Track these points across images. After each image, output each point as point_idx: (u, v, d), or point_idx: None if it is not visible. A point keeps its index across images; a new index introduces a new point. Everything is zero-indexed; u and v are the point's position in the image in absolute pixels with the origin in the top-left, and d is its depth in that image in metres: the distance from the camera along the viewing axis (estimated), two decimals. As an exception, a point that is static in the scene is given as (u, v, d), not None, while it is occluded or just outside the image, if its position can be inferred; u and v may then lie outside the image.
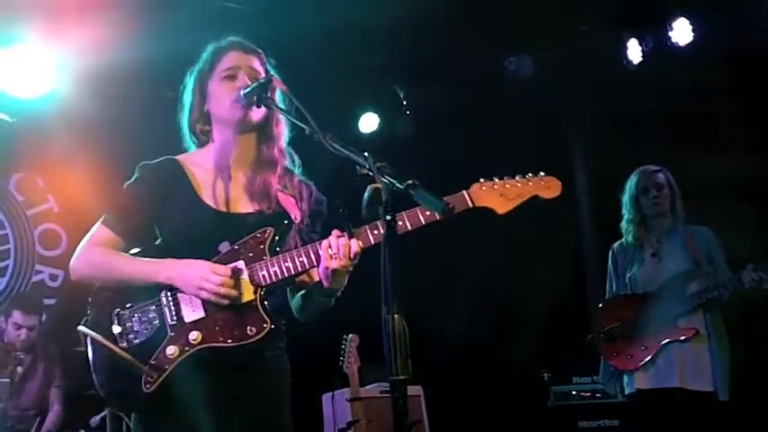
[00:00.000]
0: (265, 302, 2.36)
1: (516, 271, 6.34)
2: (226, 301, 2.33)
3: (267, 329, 2.33)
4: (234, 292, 2.32)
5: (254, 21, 4.78)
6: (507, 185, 2.40)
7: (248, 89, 2.43)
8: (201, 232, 2.41)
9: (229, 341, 2.32)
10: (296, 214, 2.49)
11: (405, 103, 6.46)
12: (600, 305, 4.50)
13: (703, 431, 4.03)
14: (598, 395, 5.68)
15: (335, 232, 2.32)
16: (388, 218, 1.92)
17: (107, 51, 4.73)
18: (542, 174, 2.44)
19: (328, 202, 2.63)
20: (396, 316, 1.82)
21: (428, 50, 5.73)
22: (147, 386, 2.30)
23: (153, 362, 2.31)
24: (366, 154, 2.04)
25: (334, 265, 2.28)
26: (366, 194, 1.96)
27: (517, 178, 2.42)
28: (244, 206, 2.49)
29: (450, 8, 5.10)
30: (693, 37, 5.65)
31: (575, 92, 5.98)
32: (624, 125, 6.10)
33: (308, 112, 2.22)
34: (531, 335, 6.46)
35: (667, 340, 4.12)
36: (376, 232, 2.30)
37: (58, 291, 6.24)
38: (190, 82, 2.59)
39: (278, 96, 2.47)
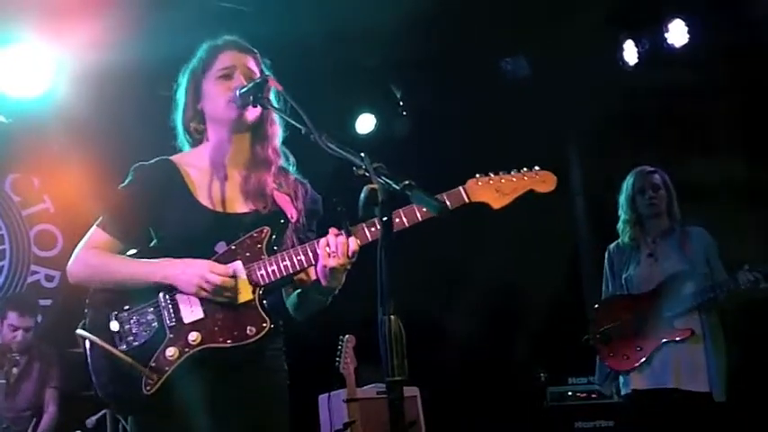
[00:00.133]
0: (264, 302, 2.36)
1: (512, 271, 6.34)
2: (224, 299, 2.32)
3: (267, 329, 2.33)
4: (232, 291, 2.32)
5: (250, 21, 4.79)
6: (503, 180, 2.42)
7: (245, 89, 2.43)
8: (198, 233, 2.41)
9: (229, 341, 2.32)
10: (292, 213, 2.49)
11: (401, 103, 6.46)
12: (596, 306, 4.51)
13: (699, 432, 4.04)
14: (594, 396, 5.69)
15: (333, 230, 2.32)
16: (385, 219, 1.92)
17: (103, 51, 4.72)
18: (537, 168, 2.46)
19: (325, 200, 2.63)
20: (392, 317, 1.82)
21: (425, 51, 5.73)
22: (148, 388, 2.30)
23: (153, 364, 2.31)
24: (363, 154, 2.04)
25: (333, 263, 2.28)
26: (362, 195, 1.96)
27: (512, 173, 2.44)
28: (240, 206, 2.48)
29: (446, 9, 5.10)
30: (689, 38, 5.67)
31: (571, 92, 5.99)
32: (620, 126, 6.11)
33: (304, 112, 2.22)
34: (527, 335, 6.46)
35: (663, 341, 4.12)
36: (373, 229, 2.30)
37: (54, 292, 6.22)
38: (183, 80, 2.59)
39: (272, 96, 2.47)
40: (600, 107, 5.78)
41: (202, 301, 2.35)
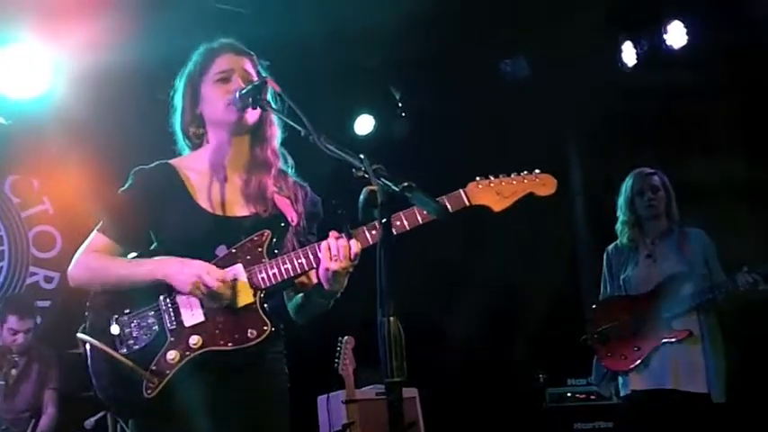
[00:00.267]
0: (265, 305, 2.36)
1: (511, 272, 6.35)
2: (219, 304, 2.32)
3: (267, 332, 2.33)
4: (228, 293, 2.32)
5: (249, 23, 4.78)
6: (503, 183, 2.42)
7: (244, 91, 2.42)
8: (198, 236, 2.40)
9: (230, 345, 2.32)
10: (292, 216, 2.49)
11: (400, 104, 6.46)
12: (594, 306, 4.51)
13: (698, 433, 4.05)
14: (593, 397, 5.69)
15: (334, 234, 2.32)
16: (384, 220, 1.92)
17: (102, 52, 4.72)
18: (537, 171, 2.46)
19: (325, 203, 2.62)
20: (391, 318, 1.82)
21: (424, 51, 5.73)
22: (149, 392, 2.30)
23: (153, 367, 2.31)
24: (362, 156, 2.03)
25: (335, 266, 2.28)
26: (362, 197, 1.96)
27: (513, 176, 2.44)
28: (240, 209, 2.48)
29: (446, 9, 5.10)
30: (688, 40, 5.68)
31: (570, 93, 5.99)
32: (619, 126, 6.12)
33: (303, 114, 2.22)
34: (526, 336, 6.46)
35: (661, 341, 4.13)
36: (374, 232, 2.30)
37: (53, 293, 6.22)
38: (180, 85, 2.58)
39: (269, 97, 2.46)
40: (599, 108, 5.79)
41: (203, 304, 2.35)
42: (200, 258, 2.36)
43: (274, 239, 2.41)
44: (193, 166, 2.53)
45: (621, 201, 4.42)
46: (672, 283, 4.18)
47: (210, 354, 2.32)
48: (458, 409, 6.22)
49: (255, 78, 2.50)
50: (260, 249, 2.39)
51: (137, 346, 2.34)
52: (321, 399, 5.28)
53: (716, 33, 5.57)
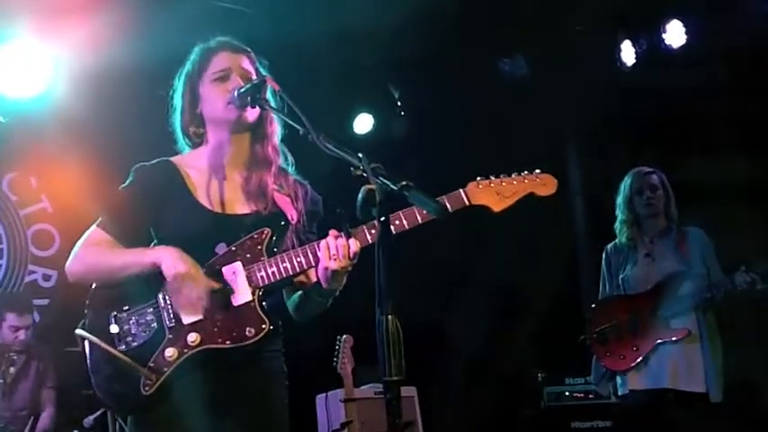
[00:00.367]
0: (263, 303, 2.36)
1: (510, 271, 6.35)
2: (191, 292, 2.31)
3: (266, 330, 2.33)
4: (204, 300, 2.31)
5: (249, 21, 4.78)
6: (503, 183, 2.41)
7: (243, 89, 2.41)
8: (198, 234, 2.40)
9: (228, 342, 2.32)
10: (292, 214, 2.49)
11: (399, 103, 6.46)
12: (593, 306, 4.52)
13: (696, 432, 4.05)
14: (591, 396, 5.70)
15: (333, 233, 2.32)
16: (382, 219, 1.92)
17: (102, 50, 4.71)
18: (538, 171, 2.45)
19: (325, 202, 2.63)
20: (389, 317, 1.82)
21: (423, 51, 5.73)
22: (146, 388, 2.30)
23: (151, 364, 2.31)
24: (360, 155, 2.03)
25: (334, 266, 2.28)
26: (360, 195, 1.96)
27: (513, 176, 2.44)
28: (240, 207, 2.48)
29: (444, 9, 5.10)
30: (687, 39, 5.68)
31: (569, 93, 5.99)
32: (618, 126, 6.12)
33: (302, 112, 2.21)
34: (525, 335, 6.47)
35: (660, 341, 4.13)
36: (374, 231, 2.29)
37: (52, 291, 6.21)
38: (179, 84, 2.58)
39: (269, 95, 2.46)
40: (599, 107, 5.79)
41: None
42: (199, 256, 2.36)
43: (274, 238, 2.41)
44: (194, 164, 2.53)
45: (620, 200, 4.43)
46: (670, 282, 4.19)
47: (209, 351, 2.32)
48: (456, 407, 6.22)
49: (254, 76, 2.50)
50: (259, 247, 2.39)
51: (135, 343, 2.34)
52: (320, 397, 5.28)
53: (715, 33, 5.57)
